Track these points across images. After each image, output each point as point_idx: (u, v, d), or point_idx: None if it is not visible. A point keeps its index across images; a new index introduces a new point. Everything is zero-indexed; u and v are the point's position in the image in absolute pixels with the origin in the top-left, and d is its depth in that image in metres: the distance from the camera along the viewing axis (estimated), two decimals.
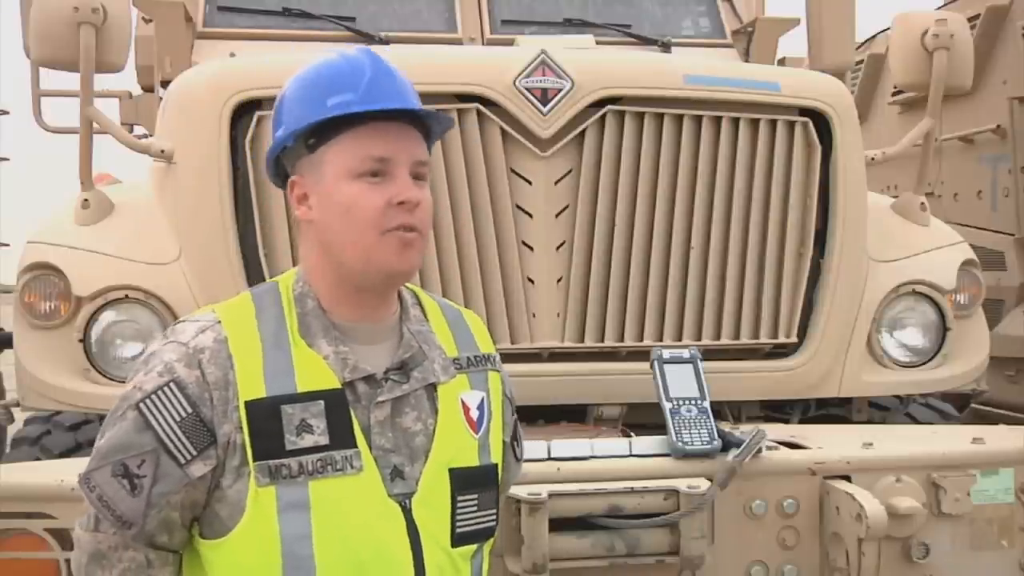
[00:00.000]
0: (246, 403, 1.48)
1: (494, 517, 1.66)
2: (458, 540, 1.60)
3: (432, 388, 1.61)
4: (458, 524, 1.59)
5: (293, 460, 1.47)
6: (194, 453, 1.48)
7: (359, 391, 1.54)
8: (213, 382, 1.49)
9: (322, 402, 1.50)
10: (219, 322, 1.54)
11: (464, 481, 1.60)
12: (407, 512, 1.54)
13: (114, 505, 1.49)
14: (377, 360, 1.57)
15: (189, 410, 1.48)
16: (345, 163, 1.53)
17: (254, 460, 1.47)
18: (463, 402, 1.64)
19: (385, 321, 1.62)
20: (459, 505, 1.60)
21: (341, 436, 1.50)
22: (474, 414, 1.65)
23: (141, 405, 1.49)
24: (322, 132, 1.55)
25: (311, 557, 1.47)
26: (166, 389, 1.48)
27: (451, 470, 1.59)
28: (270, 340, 1.53)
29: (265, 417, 1.48)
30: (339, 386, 1.52)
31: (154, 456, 1.47)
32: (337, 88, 1.55)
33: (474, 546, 1.64)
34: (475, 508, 1.62)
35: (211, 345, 1.51)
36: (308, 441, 1.48)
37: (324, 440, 1.49)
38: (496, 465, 1.68)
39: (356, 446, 1.51)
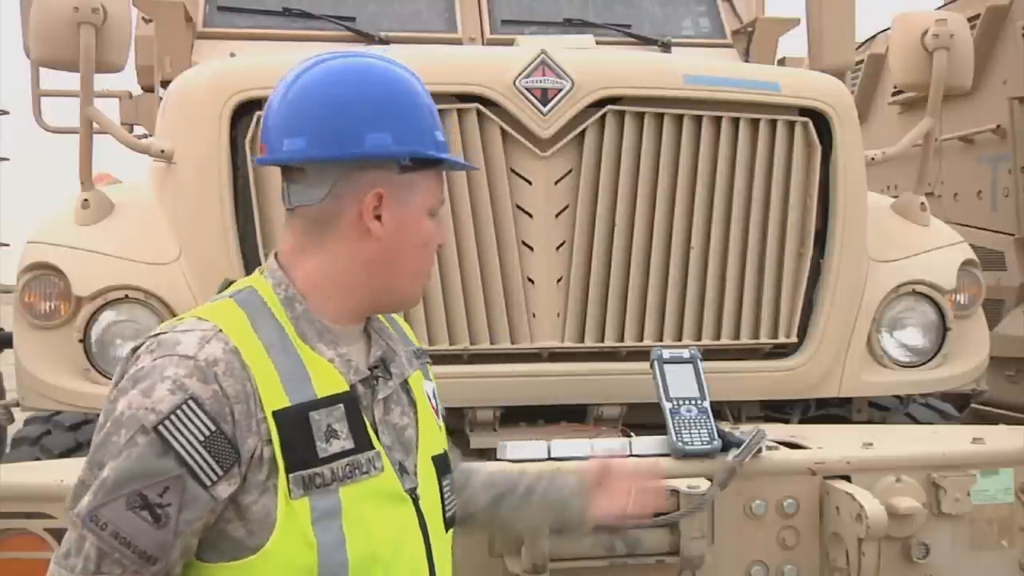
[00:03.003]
0: (273, 413, 1.40)
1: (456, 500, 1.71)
2: (447, 524, 1.64)
3: (405, 382, 1.63)
4: (446, 509, 1.63)
5: (326, 468, 1.43)
6: (220, 473, 1.37)
7: (359, 392, 1.53)
8: (233, 395, 1.38)
9: (342, 406, 1.48)
10: (221, 330, 1.43)
11: (442, 467, 1.64)
12: (416, 505, 1.55)
13: (135, 541, 1.34)
14: (359, 360, 1.56)
15: (212, 428, 1.36)
16: (429, 199, 1.57)
17: (287, 472, 1.40)
18: (426, 392, 1.68)
19: (360, 323, 1.63)
20: (444, 490, 1.63)
21: (361, 438, 1.48)
22: (434, 403, 1.70)
23: (160, 427, 1.35)
24: (417, 160, 1.54)
25: (345, 564, 1.43)
26: (184, 408, 1.36)
27: (433, 458, 1.62)
28: (276, 346, 1.46)
29: (294, 426, 1.42)
30: (348, 388, 1.50)
31: (179, 482, 1.35)
32: (433, 120, 1.56)
33: (452, 530, 1.67)
34: (450, 492, 1.66)
35: (223, 356, 1.40)
36: (336, 447, 1.44)
37: (349, 444, 1.46)
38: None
39: (375, 447, 1.50)
